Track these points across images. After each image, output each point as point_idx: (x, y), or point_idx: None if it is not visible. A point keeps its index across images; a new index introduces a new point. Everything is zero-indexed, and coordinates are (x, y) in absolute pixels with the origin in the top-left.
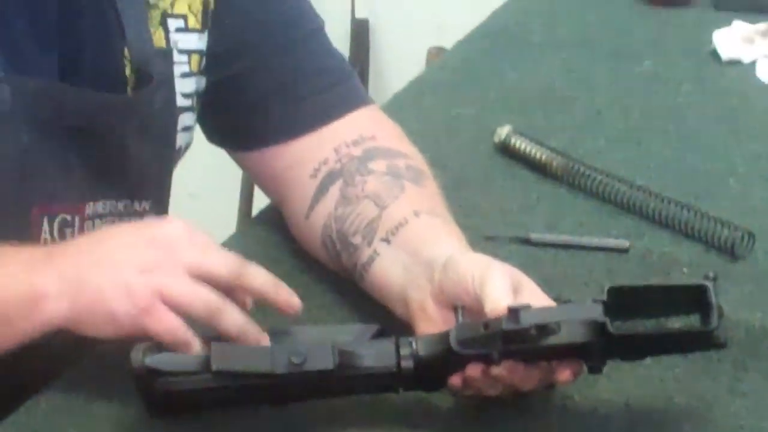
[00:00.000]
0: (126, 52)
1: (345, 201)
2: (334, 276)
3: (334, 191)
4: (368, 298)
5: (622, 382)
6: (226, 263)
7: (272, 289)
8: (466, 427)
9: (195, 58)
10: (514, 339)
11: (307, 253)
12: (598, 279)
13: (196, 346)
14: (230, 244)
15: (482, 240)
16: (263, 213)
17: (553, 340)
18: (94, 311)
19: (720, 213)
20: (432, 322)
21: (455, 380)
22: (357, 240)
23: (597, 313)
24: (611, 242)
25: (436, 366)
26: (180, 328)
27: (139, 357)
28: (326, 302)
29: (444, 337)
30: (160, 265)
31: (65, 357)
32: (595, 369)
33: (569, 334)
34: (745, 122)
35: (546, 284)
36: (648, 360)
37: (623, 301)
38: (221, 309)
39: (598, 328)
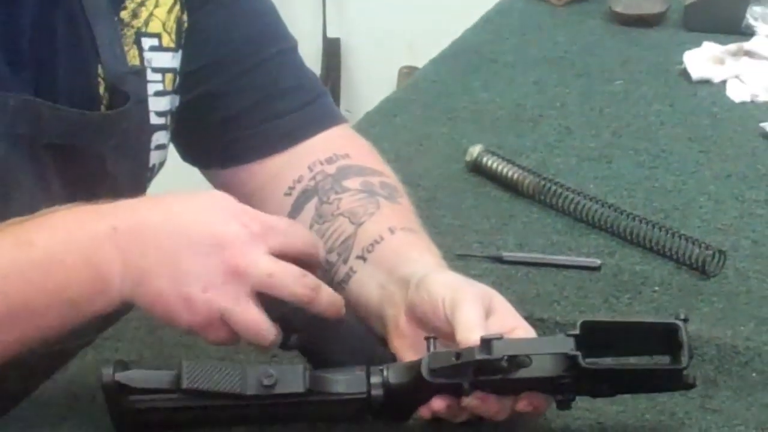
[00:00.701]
0: (100, 70)
1: (320, 218)
2: None
3: (310, 209)
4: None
5: (595, 401)
6: (292, 276)
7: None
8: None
9: (169, 76)
10: (486, 370)
11: None
12: (570, 297)
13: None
14: None
15: (454, 258)
16: None
17: (524, 372)
18: (154, 308)
19: (691, 231)
20: (406, 339)
21: (425, 412)
22: (333, 257)
23: (569, 347)
24: (583, 260)
25: (407, 394)
26: (233, 339)
27: (110, 372)
28: None
29: (415, 365)
30: (223, 285)
31: (37, 373)
32: (564, 404)
33: (541, 367)
34: (716, 141)
35: (518, 302)
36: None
37: (595, 336)
38: (271, 343)
39: (570, 361)
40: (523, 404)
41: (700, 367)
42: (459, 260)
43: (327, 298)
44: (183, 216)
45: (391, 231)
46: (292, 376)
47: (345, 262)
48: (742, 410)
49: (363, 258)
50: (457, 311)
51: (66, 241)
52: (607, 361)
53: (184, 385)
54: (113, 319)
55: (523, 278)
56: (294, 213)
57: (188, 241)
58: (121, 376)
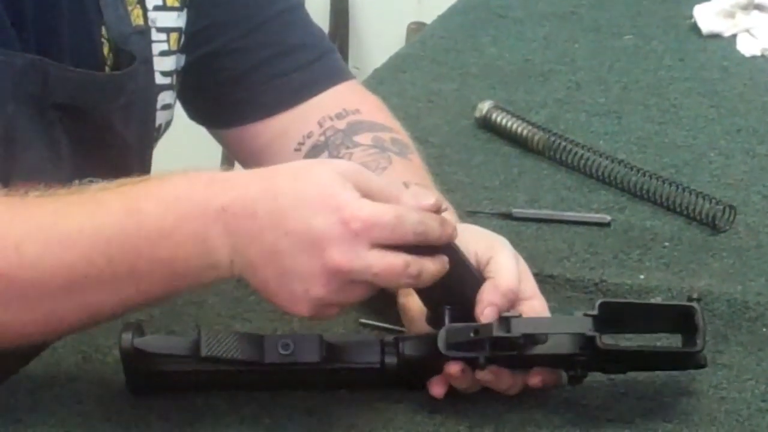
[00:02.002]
0: (104, 31)
1: None
2: None
3: None
4: None
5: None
6: (395, 273)
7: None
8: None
9: (174, 36)
10: (502, 346)
11: None
12: (580, 253)
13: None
14: None
15: (464, 215)
16: None
17: (539, 349)
18: (264, 294)
19: (701, 186)
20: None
21: (438, 390)
22: None
23: (587, 327)
24: (592, 216)
25: (421, 365)
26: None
27: (129, 338)
28: None
29: (431, 339)
30: (329, 283)
31: None
32: (576, 380)
33: (556, 344)
34: (726, 96)
35: (528, 259)
36: (629, 335)
37: (611, 315)
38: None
39: (587, 341)
40: (535, 380)
41: (711, 323)
42: (469, 217)
43: (432, 270)
44: (287, 213)
45: (405, 186)
46: (308, 345)
47: None
48: (753, 365)
49: None
50: (494, 259)
51: (176, 214)
52: (624, 343)
53: (204, 353)
54: None
55: (533, 235)
56: None
57: (289, 239)
58: (140, 342)
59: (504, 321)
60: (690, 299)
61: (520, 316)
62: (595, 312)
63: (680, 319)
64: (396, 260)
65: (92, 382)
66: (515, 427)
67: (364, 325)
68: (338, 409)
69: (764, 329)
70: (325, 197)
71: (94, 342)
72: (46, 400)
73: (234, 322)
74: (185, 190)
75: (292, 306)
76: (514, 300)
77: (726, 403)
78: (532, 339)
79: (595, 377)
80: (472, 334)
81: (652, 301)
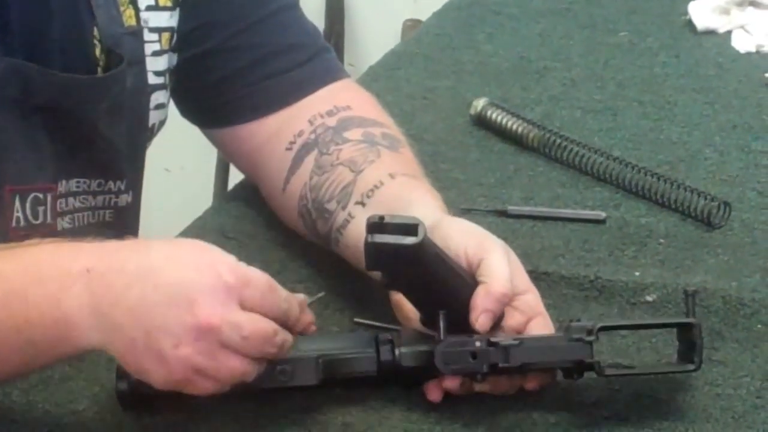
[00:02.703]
0: (96, 32)
1: (320, 170)
2: (310, 251)
3: (309, 161)
4: (345, 273)
5: (601, 354)
6: (263, 338)
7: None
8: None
9: (165, 35)
10: (500, 370)
11: (283, 227)
12: (575, 250)
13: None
14: (206, 218)
15: (459, 212)
16: (239, 187)
17: (537, 366)
18: (126, 361)
19: (696, 183)
20: None
21: (434, 395)
22: (332, 206)
23: (587, 353)
24: (588, 213)
25: (417, 374)
26: (220, 388)
27: (124, 384)
28: (302, 277)
29: (428, 354)
30: (195, 341)
31: None
32: (570, 376)
33: (555, 363)
34: (721, 92)
35: (523, 256)
36: (624, 331)
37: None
38: (260, 364)
39: (587, 365)
40: (532, 384)
41: (706, 319)
42: (464, 214)
43: (290, 343)
44: (158, 266)
45: (392, 176)
46: (306, 368)
47: (344, 208)
48: (748, 362)
49: (362, 203)
50: (485, 261)
51: (33, 277)
52: (625, 368)
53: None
54: None
55: (529, 232)
56: (294, 167)
57: (159, 294)
58: (137, 384)
59: (503, 350)
60: (686, 293)
61: (519, 343)
62: (593, 338)
63: (679, 328)
64: (266, 325)
65: (86, 382)
66: (511, 425)
67: (359, 324)
68: (334, 408)
69: (759, 326)
70: (200, 254)
71: None
72: (41, 400)
73: None
74: (49, 254)
75: (160, 368)
76: (507, 303)
77: (721, 399)
78: (529, 366)
79: (591, 374)
80: (470, 359)
81: (651, 321)
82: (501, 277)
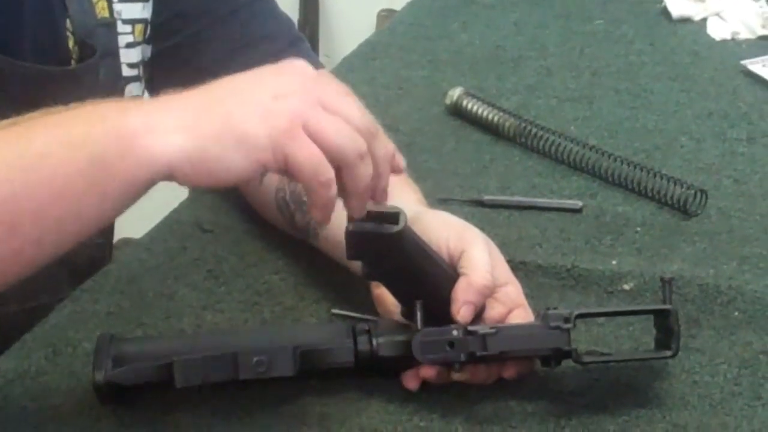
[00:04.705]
0: (68, 24)
1: None
2: (286, 242)
3: None
4: (321, 264)
5: (578, 343)
6: (362, 114)
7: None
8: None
9: (139, 27)
10: (478, 358)
11: (259, 219)
12: (552, 239)
13: (335, 188)
14: (182, 210)
15: (436, 203)
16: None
17: (515, 354)
18: (222, 138)
19: (672, 171)
20: None
21: (412, 384)
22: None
23: (564, 341)
24: (564, 202)
25: (395, 364)
26: (323, 159)
27: (102, 374)
28: (279, 268)
29: (406, 343)
30: (296, 92)
31: (15, 326)
32: (548, 364)
33: (532, 351)
34: (697, 80)
35: (500, 245)
36: (602, 319)
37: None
38: (363, 156)
39: (565, 353)
40: (510, 372)
41: (683, 307)
42: (440, 204)
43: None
44: (230, 78)
45: None
46: (282, 359)
47: None
48: (725, 349)
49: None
50: (466, 253)
51: (91, 108)
52: (602, 355)
53: (178, 385)
54: (92, 270)
55: (505, 221)
56: None
57: (242, 77)
58: (113, 376)
59: (481, 338)
60: (663, 280)
61: (496, 332)
62: (571, 325)
63: (656, 315)
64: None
65: (63, 375)
66: (488, 414)
67: (336, 316)
68: (311, 399)
69: (736, 313)
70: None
71: (63, 335)
72: (17, 394)
73: (205, 313)
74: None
75: (266, 121)
76: (488, 295)
77: (698, 387)
78: (507, 354)
79: (569, 363)
80: (447, 348)
81: (628, 308)
82: (482, 268)
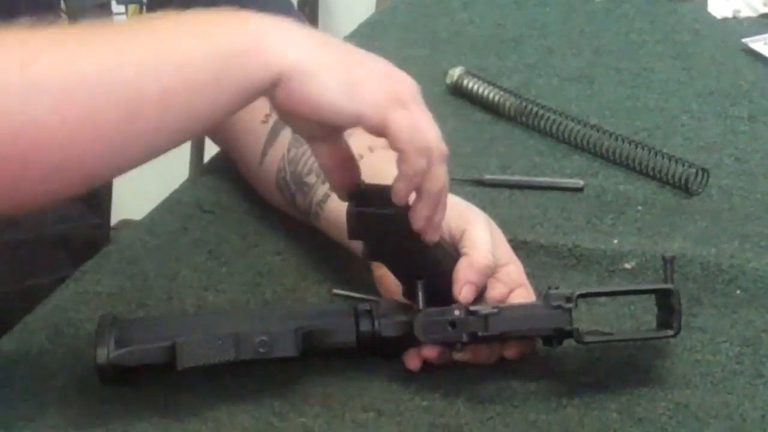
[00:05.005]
0: (63, 5)
1: (297, 142)
2: (287, 223)
3: (286, 134)
4: (323, 244)
5: (580, 322)
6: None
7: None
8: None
9: (132, 7)
10: (480, 338)
11: (260, 200)
12: (553, 218)
13: (426, 161)
14: (182, 191)
15: None
16: (215, 160)
17: (517, 333)
18: (338, 72)
19: (673, 150)
20: None
21: (413, 363)
22: (311, 179)
23: (565, 321)
24: (565, 181)
25: (397, 344)
26: (424, 130)
27: (104, 354)
28: (280, 249)
29: (408, 324)
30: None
31: (17, 307)
32: (550, 344)
33: (534, 330)
34: (698, 59)
35: (501, 225)
36: (603, 298)
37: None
38: (444, 160)
39: (566, 333)
40: (511, 352)
41: (684, 286)
42: None
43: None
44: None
45: (371, 149)
46: (284, 340)
47: (324, 182)
48: (727, 328)
49: None
50: (467, 233)
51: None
52: (604, 335)
53: (179, 367)
54: (89, 251)
55: (506, 201)
56: (271, 139)
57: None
58: (116, 357)
59: (482, 318)
60: (664, 259)
61: (498, 311)
62: (572, 305)
63: (657, 294)
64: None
65: (65, 356)
66: (490, 393)
67: (337, 296)
68: (313, 379)
69: (738, 292)
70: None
71: (65, 316)
72: (19, 375)
73: (207, 294)
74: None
75: (387, 80)
76: (490, 275)
77: (700, 365)
78: (508, 334)
79: (570, 342)
80: (449, 328)
81: (630, 287)
82: (484, 248)
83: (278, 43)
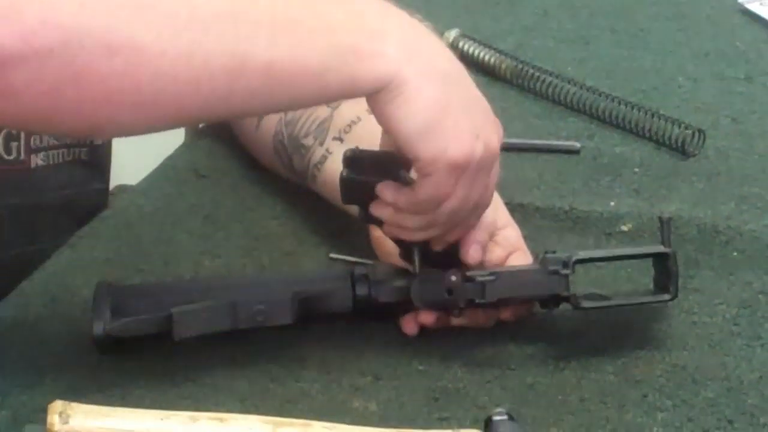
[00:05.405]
0: None
1: None
2: (284, 187)
3: None
4: (319, 208)
5: (576, 285)
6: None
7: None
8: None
9: None
10: (476, 304)
11: (256, 164)
12: (550, 181)
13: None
14: (178, 156)
15: None
16: (211, 124)
17: (513, 300)
18: (429, 108)
19: (670, 111)
20: None
21: (410, 328)
22: (309, 141)
23: (563, 287)
24: (562, 144)
25: (393, 309)
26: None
27: (101, 325)
28: (277, 214)
29: (404, 289)
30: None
31: (13, 273)
32: (547, 307)
33: (531, 296)
34: (694, 19)
35: (498, 188)
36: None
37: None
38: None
39: (564, 299)
40: (507, 314)
41: (681, 248)
42: None
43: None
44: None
45: (369, 112)
46: (281, 308)
47: (321, 144)
48: (724, 289)
49: (340, 139)
50: None
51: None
52: (601, 299)
53: (176, 337)
54: (91, 216)
55: (502, 163)
56: None
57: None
58: (113, 329)
59: (479, 285)
60: (661, 220)
61: (495, 277)
62: (569, 271)
63: (655, 258)
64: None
65: (62, 323)
66: (487, 358)
67: (334, 260)
68: (310, 344)
69: (735, 253)
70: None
71: (62, 283)
72: (16, 342)
73: (203, 259)
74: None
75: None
76: (493, 232)
77: (697, 327)
78: (506, 300)
79: (567, 305)
80: (446, 295)
81: (627, 251)
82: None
83: (394, 52)
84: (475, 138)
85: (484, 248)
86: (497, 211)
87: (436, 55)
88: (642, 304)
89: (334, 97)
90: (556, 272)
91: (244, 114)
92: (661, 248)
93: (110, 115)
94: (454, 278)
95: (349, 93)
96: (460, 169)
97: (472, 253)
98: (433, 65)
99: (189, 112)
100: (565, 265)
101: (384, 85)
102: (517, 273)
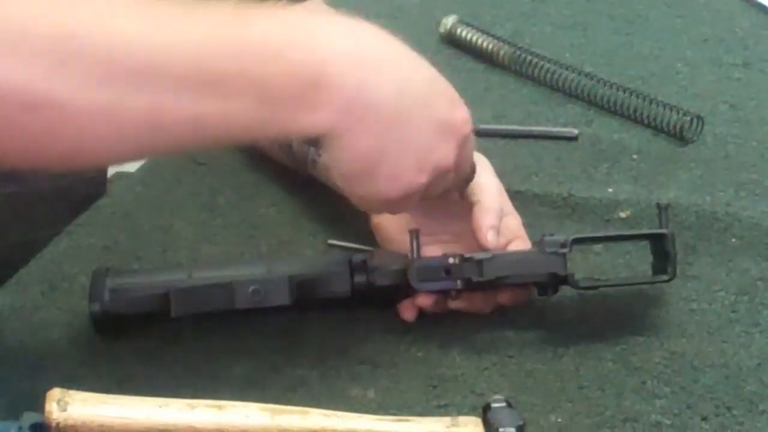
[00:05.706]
0: None
1: None
2: (282, 175)
3: None
4: (318, 196)
5: (575, 272)
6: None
7: None
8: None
9: None
10: (474, 284)
11: (254, 151)
12: (548, 167)
13: None
14: None
15: None
16: None
17: (511, 280)
18: (391, 104)
19: (668, 98)
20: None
21: (408, 314)
22: None
23: (560, 266)
24: (560, 130)
25: (392, 292)
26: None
27: (97, 305)
28: (276, 200)
29: (402, 272)
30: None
31: (11, 261)
32: (545, 293)
33: (529, 276)
34: (692, 6)
35: (496, 175)
36: (598, 248)
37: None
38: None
39: (561, 278)
40: (505, 298)
41: (680, 234)
42: None
43: None
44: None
45: None
46: (278, 288)
47: None
48: (722, 276)
49: None
50: (476, 183)
51: (289, 31)
52: (598, 278)
53: (174, 314)
54: (89, 205)
55: (500, 150)
56: None
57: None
58: (111, 306)
59: (476, 264)
60: (659, 206)
61: (492, 257)
62: (567, 250)
63: (652, 240)
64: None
65: (59, 310)
66: (486, 344)
67: (333, 246)
68: (309, 330)
69: (733, 240)
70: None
71: (59, 270)
72: (13, 329)
73: (201, 246)
74: (306, 16)
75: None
76: (502, 217)
77: (696, 314)
78: (504, 280)
79: (565, 293)
80: (443, 275)
81: (625, 232)
82: (493, 191)
83: (330, 105)
84: (417, 171)
85: (498, 232)
86: (503, 197)
87: (381, 87)
88: (640, 284)
89: (269, 141)
90: (554, 252)
91: (180, 153)
92: (658, 230)
93: (38, 165)
94: (451, 260)
95: (284, 140)
96: (396, 204)
97: (489, 238)
98: (375, 107)
99: (118, 158)
100: (563, 245)
101: (318, 136)
102: (515, 253)
